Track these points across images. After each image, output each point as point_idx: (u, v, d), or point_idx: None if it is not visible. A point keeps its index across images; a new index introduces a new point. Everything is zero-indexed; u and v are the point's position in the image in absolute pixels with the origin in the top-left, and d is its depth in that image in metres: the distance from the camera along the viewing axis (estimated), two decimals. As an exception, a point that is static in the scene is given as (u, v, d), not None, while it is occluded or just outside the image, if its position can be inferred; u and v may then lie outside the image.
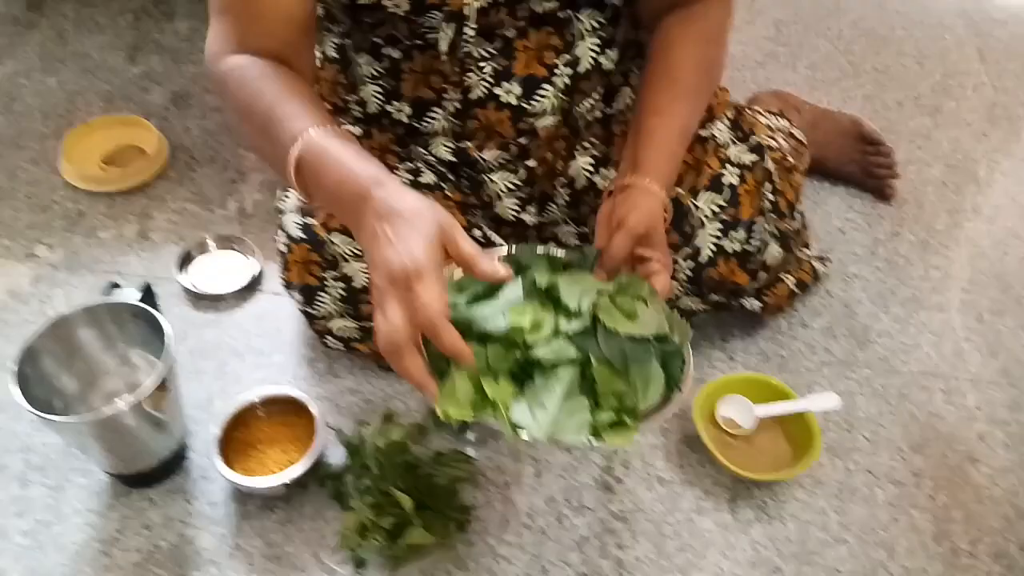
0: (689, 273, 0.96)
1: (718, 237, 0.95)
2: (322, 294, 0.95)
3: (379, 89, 0.90)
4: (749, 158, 0.98)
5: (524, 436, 0.64)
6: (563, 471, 0.97)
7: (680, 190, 0.94)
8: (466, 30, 0.81)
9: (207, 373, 1.04)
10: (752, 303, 1.03)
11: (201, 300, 1.12)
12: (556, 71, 0.86)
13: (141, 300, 0.90)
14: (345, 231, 0.92)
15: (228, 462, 0.90)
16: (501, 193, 0.95)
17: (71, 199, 1.25)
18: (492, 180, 0.94)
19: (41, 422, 0.79)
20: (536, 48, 0.85)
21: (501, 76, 0.85)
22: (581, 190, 0.97)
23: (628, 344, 0.69)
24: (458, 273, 0.70)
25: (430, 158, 0.94)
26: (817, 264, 1.13)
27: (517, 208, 0.97)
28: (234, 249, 1.18)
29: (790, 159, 1.09)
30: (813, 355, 1.10)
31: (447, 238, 0.61)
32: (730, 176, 0.96)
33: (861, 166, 1.31)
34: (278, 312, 1.12)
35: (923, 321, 1.15)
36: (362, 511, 0.87)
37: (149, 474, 0.92)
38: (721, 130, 0.97)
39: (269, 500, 0.92)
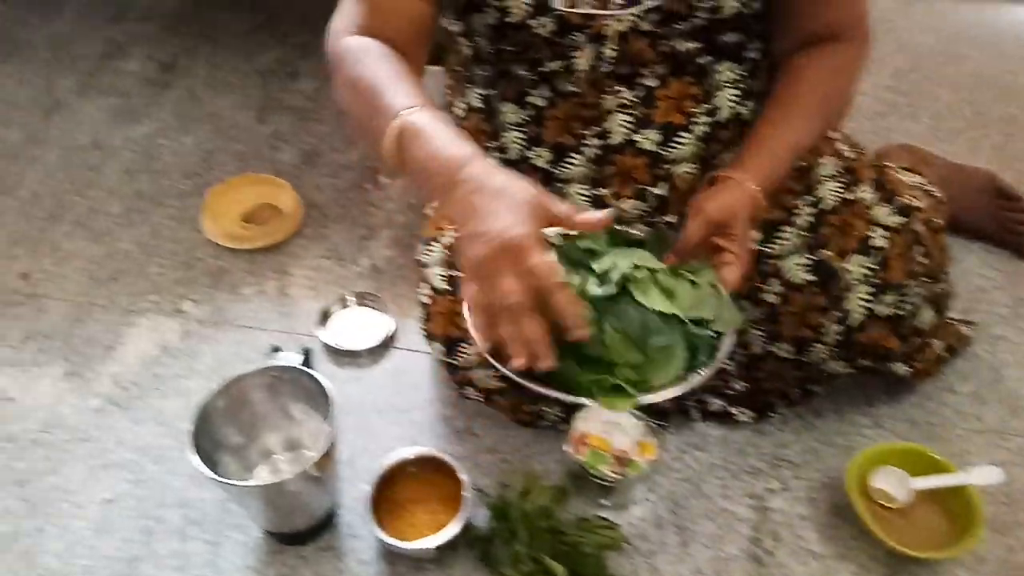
0: (838, 337, 0.94)
1: (868, 301, 0.93)
2: (464, 345, 0.97)
3: (521, 135, 0.92)
4: (896, 220, 0.96)
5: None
6: (709, 541, 0.95)
7: (829, 252, 0.93)
8: (605, 51, 0.83)
9: (349, 430, 1.06)
10: (901, 368, 1.00)
11: (341, 356, 1.16)
12: (695, 119, 0.88)
13: (303, 363, 0.93)
14: None
15: (379, 521, 0.91)
16: None
17: (213, 256, 1.31)
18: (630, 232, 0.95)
19: (201, 477, 0.82)
20: (677, 97, 0.87)
21: (641, 124, 0.87)
22: None
23: (653, 318, 0.72)
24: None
25: None
26: (964, 328, 1.10)
27: None
28: (369, 305, 1.22)
29: (936, 219, 1.06)
30: (963, 423, 1.06)
31: (542, 205, 0.66)
32: (878, 239, 0.94)
33: (998, 222, 1.27)
34: (413, 369, 1.14)
35: (1078, 387, 1.10)
36: (515, 579, 0.88)
37: (303, 532, 0.94)
38: (866, 191, 0.96)
39: (418, 561, 0.93)
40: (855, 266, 0.92)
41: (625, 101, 0.86)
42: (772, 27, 0.89)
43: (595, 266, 0.75)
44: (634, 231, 0.87)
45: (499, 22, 0.84)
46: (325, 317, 1.19)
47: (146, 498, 1.00)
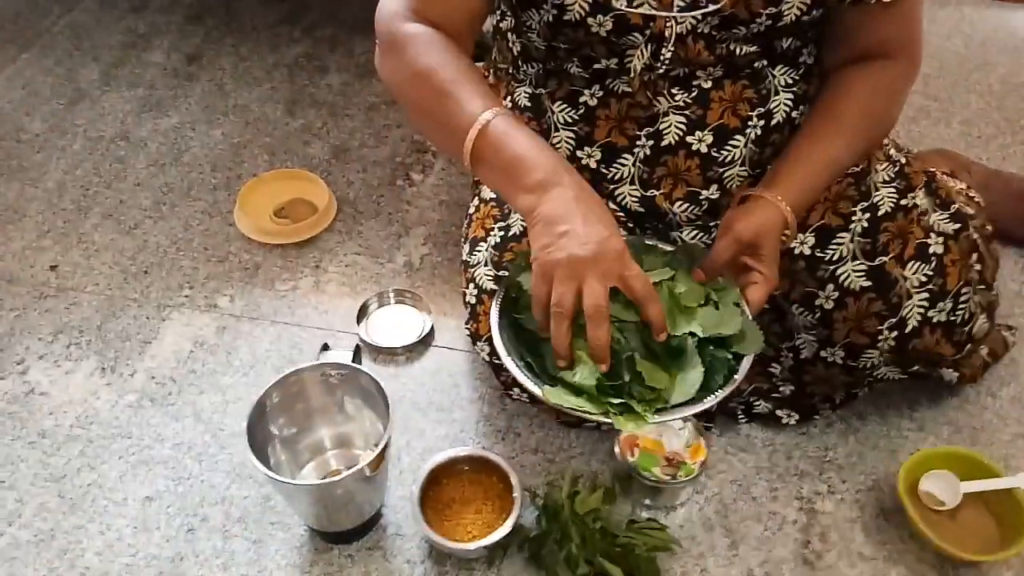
0: (893, 343, 0.94)
1: (925, 308, 0.93)
2: None
3: (572, 135, 0.92)
4: (952, 227, 0.96)
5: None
6: (759, 543, 0.95)
7: (886, 259, 0.92)
8: (662, 52, 0.82)
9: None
10: (949, 374, 1.00)
11: (379, 353, 1.15)
12: (749, 123, 0.87)
13: (352, 360, 0.92)
14: None
15: (427, 521, 0.91)
16: None
17: (246, 250, 1.30)
18: (681, 236, 0.94)
19: (242, 474, 0.81)
20: (731, 100, 0.86)
21: (694, 126, 0.87)
22: None
23: (675, 338, 0.74)
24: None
25: (614, 207, 0.94)
26: (1007, 334, 1.10)
27: None
28: (406, 303, 1.21)
29: (988, 226, 1.06)
30: (1006, 427, 1.06)
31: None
32: (935, 245, 0.94)
33: (1035, 228, 1.27)
34: (452, 367, 1.14)
35: (1118, 393, 1.10)
36: (571, 581, 0.87)
37: (349, 531, 0.93)
38: (921, 198, 0.96)
39: (467, 561, 0.92)
40: (913, 273, 0.92)
41: (679, 103, 0.86)
42: (827, 37, 0.88)
43: None
44: (663, 244, 0.87)
45: (555, 19, 0.83)
46: (362, 313, 1.18)
47: (187, 495, 0.99)
